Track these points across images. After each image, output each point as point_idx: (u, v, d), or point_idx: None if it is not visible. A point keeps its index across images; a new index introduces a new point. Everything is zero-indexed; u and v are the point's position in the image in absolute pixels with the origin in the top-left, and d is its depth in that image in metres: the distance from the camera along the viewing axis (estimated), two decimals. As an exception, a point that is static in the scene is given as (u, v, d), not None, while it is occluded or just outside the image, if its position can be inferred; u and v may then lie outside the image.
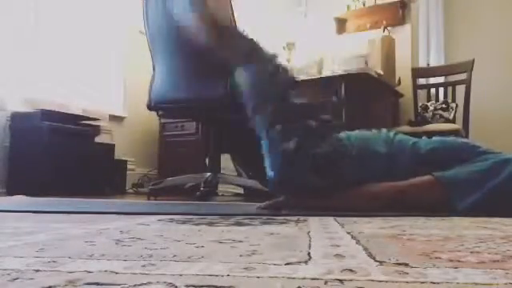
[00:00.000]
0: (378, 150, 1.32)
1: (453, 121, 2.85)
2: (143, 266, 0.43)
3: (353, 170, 1.27)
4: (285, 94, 1.31)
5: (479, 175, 1.19)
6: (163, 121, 3.60)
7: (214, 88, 2.10)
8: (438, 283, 0.36)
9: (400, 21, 3.52)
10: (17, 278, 0.37)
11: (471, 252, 0.53)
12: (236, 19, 2.09)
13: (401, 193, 1.24)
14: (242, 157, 2.85)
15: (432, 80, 3.22)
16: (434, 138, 1.40)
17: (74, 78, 3.29)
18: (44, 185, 2.52)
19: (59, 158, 2.69)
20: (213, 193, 2.67)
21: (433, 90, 3.08)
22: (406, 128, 2.80)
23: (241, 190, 2.89)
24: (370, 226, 0.83)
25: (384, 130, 1.43)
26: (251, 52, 1.39)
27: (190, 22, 1.47)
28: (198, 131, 3.47)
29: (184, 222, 0.91)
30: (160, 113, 2.51)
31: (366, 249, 0.54)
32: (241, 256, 0.49)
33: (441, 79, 3.15)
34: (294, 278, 0.37)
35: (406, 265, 0.43)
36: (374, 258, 0.47)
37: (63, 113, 2.82)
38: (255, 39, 1.43)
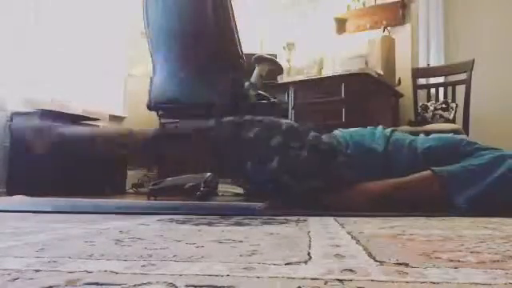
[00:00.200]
0: (374, 147, 1.31)
1: (453, 121, 2.85)
2: (143, 265, 0.43)
3: (349, 168, 1.27)
4: (240, 135, 1.31)
5: (477, 170, 1.19)
6: (163, 121, 3.60)
7: (213, 88, 2.10)
8: (437, 283, 0.36)
9: (400, 21, 3.52)
10: (17, 278, 0.37)
11: (471, 252, 0.53)
12: (236, 19, 2.09)
13: (399, 189, 1.24)
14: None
15: (432, 80, 3.21)
16: (432, 136, 1.40)
17: (74, 77, 3.29)
18: (44, 185, 2.51)
19: (59, 158, 2.69)
20: (213, 193, 2.67)
21: (433, 90, 3.08)
22: (406, 128, 2.80)
23: (241, 190, 2.89)
24: (370, 226, 0.83)
25: (380, 128, 1.42)
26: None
27: None
28: (198, 131, 3.46)
29: (184, 222, 0.91)
30: (160, 113, 2.51)
31: (365, 249, 0.54)
32: (241, 256, 0.49)
33: (441, 79, 3.15)
34: (294, 278, 0.37)
35: (406, 265, 0.43)
36: (374, 258, 0.47)
37: (63, 113, 2.82)
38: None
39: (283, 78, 3.33)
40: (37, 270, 0.40)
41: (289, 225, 0.86)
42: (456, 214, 1.10)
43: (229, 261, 0.45)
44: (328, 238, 0.65)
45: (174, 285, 0.35)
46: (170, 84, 2.24)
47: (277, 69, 2.45)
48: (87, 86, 3.40)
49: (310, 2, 3.90)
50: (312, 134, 1.31)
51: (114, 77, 3.68)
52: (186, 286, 0.34)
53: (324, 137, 1.35)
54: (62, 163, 2.70)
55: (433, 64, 3.33)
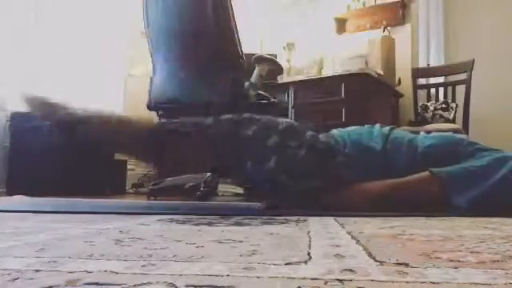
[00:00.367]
0: (372, 146, 1.30)
1: (453, 121, 2.85)
2: (143, 265, 0.43)
3: (347, 168, 1.26)
4: (239, 134, 1.30)
5: (477, 172, 1.18)
6: (163, 121, 3.60)
7: (213, 88, 2.10)
8: (437, 283, 0.36)
9: (400, 21, 3.52)
10: (17, 278, 0.37)
11: (471, 252, 0.53)
12: (236, 19, 2.09)
13: (397, 190, 1.23)
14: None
15: (432, 80, 3.21)
16: (432, 134, 1.39)
17: (74, 77, 3.29)
18: (44, 185, 2.52)
19: (59, 158, 2.69)
20: (213, 193, 2.67)
21: (433, 90, 3.08)
22: (406, 128, 2.80)
23: (241, 190, 2.89)
24: (370, 226, 0.83)
25: (377, 126, 1.41)
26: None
27: None
28: (198, 131, 3.46)
29: (184, 222, 0.91)
30: (160, 113, 2.51)
31: (365, 249, 0.54)
32: (241, 256, 0.49)
33: (441, 79, 3.15)
34: (293, 278, 0.37)
35: (406, 265, 0.43)
36: (374, 258, 0.47)
37: (63, 113, 2.82)
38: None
39: (283, 78, 3.33)
40: (37, 270, 0.40)
41: (289, 225, 0.86)
42: (456, 214, 1.09)
43: (229, 261, 0.45)
44: (328, 238, 0.65)
45: (173, 285, 0.35)
46: (169, 84, 2.25)
47: (277, 69, 2.45)
48: (87, 86, 3.40)
49: (310, 2, 3.90)
50: (309, 133, 1.30)
51: (113, 77, 3.69)
52: (186, 286, 0.34)
53: (321, 136, 1.34)
54: (62, 163, 2.70)
55: (433, 64, 3.33)
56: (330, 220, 0.97)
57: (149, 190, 2.53)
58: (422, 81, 3.21)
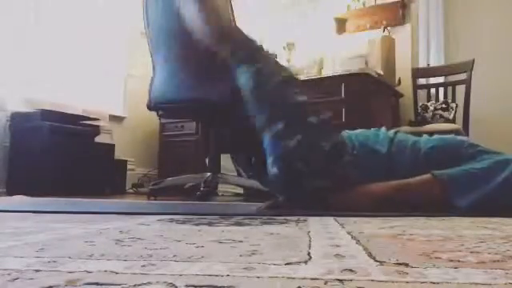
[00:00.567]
0: (378, 149, 1.32)
1: (453, 121, 2.85)
2: (143, 266, 0.43)
3: (355, 168, 1.27)
4: (287, 92, 1.31)
5: (478, 174, 1.19)
6: (163, 121, 3.61)
7: (214, 88, 2.10)
8: (437, 283, 0.36)
9: (400, 21, 3.52)
10: (17, 278, 0.37)
11: (471, 252, 0.53)
12: (236, 19, 2.09)
13: (401, 191, 1.24)
14: (241, 157, 2.85)
15: (432, 80, 3.22)
16: (434, 137, 1.40)
17: (74, 77, 3.30)
18: (44, 185, 2.52)
19: (59, 158, 2.69)
20: (213, 193, 2.67)
21: (433, 90, 3.08)
22: (406, 128, 2.80)
23: (241, 190, 2.89)
24: (370, 226, 0.83)
25: (383, 129, 1.43)
26: (253, 52, 1.39)
27: (193, 20, 1.47)
28: (198, 131, 3.47)
29: (184, 222, 0.91)
30: (160, 113, 2.51)
31: (365, 249, 0.54)
32: (241, 256, 0.49)
33: (441, 79, 3.15)
34: (294, 278, 0.37)
35: (406, 265, 0.43)
36: (374, 258, 0.47)
37: (63, 113, 2.82)
38: (256, 40, 1.43)
39: (283, 78, 3.33)
40: (37, 270, 0.40)
41: (289, 225, 0.86)
42: (456, 214, 1.10)
43: (229, 261, 0.45)
44: (328, 238, 0.65)
45: (173, 285, 0.35)
46: (169, 84, 2.24)
47: (277, 69, 2.44)
48: (87, 86, 3.40)
49: (310, 2, 3.91)
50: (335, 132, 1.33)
51: (114, 77, 3.69)
52: (186, 285, 0.34)
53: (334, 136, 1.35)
54: (62, 163, 2.70)
55: (433, 64, 3.33)
56: (330, 220, 0.97)
57: (149, 190, 2.53)
58: (422, 81, 3.21)
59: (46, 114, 2.70)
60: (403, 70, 3.25)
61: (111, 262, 0.45)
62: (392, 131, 1.42)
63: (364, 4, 3.68)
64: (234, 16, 2.08)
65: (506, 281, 0.37)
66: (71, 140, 2.81)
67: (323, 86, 2.93)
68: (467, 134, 2.75)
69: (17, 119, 2.73)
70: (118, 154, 3.32)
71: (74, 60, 3.30)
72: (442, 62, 3.32)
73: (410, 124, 2.92)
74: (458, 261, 0.46)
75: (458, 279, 0.37)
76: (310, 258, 0.48)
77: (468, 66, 2.86)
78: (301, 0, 3.95)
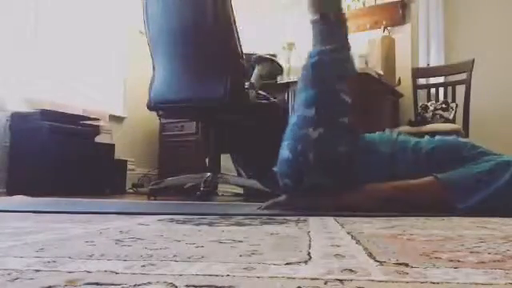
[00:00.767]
0: (381, 149, 1.33)
1: (453, 121, 2.85)
2: (143, 266, 0.43)
3: (357, 169, 1.28)
4: (340, 86, 1.32)
5: (481, 177, 1.19)
6: (163, 121, 3.61)
7: (213, 88, 2.10)
8: (437, 283, 0.36)
9: (400, 21, 3.52)
10: (17, 278, 0.37)
11: (471, 252, 0.53)
12: (236, 19, 2.10)
13: (403, 192, 1.24)
14: (241, 157, 2.85)
15: (432, 80, 3.21)
16: (436, 138, 1.40)
17: (74, 77, 3.30)
18: (44, 185, 2.52)
19: (59, 158, 2.69)
20: (213, 193, 2.67)
21: (433, 90, 3.08)
22: (406, 128, 2.80)
23: (241, 190, 2.89)
24: (370, 226, 0.83)
25: (387, 131, 1.44)
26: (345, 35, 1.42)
27: None
28: (197, 131, 3.47)
29: (184, 222, 0.91)
30: (160, 113, 2.51)
31: (365, 249, 0.54)
32: (241, 256, 0.49)
33: (441, 79, 3.15)
34: (294, 278, 0.37)
35: (406, 265, 0.43)
36: (374, 258, 0.47)
37: (63, 113, 2.82)
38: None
39: (283, 78, 3.33)
40: (37, 270, 0.40)
41: (289, 225, 0.86)
42: (456, 215, 1.10)
43: (229, 261, 0.45)
44: (328, 238, 0.65)
45: (173, 285, 0.35)
46: (169, 84, 2.25)
47: (277, 69, 2.45)
48: (87, 86, 3.40)
49: (310, 2, 3.90)
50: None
51: (114, 77, 3.69)
52: (186, 286, 0.34)
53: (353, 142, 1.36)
54: (62, 163, 2.70)
55: (433, 64, 3.33)
56: (330, 220, 0.97)
57: (149, 189, 2.53)
58: (421, 81, 3.20)
59: (46, 114, 2.70)
60: (403, 70, 3.25)
61: (111, 261, 0.45)
62: (395, 133, 1.43)
63: (364, 4, 3.68)
64: (234, 15, 2.08)
65: (505, 281, 0.37)
66: (71, 140, 2.81)
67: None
68: (467, 134, 2.75)
69: (17, 119, 2.73)
70: (118, 154, 3.32)
71: (74, 60, 3.30)
72: (442, 62, 3.31)
73: (410, 124, 2.92)
74: (458, 261, 0.46)
75: (458, 279, 0.37)
76: (310, 258, 0.48)
77: (468, 66, 2.86)
78: (301, 0, 3.95)
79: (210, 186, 2.22)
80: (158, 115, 2.59)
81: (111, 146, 3.20)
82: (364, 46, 3.21)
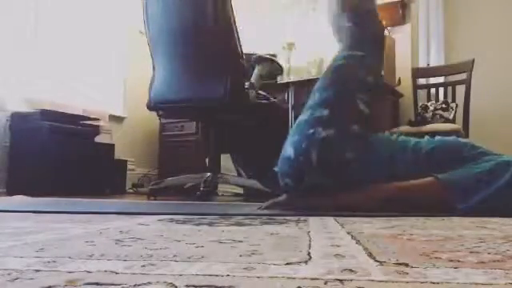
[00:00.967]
0: (380, 150, 1.33)
1: (453, 121, 2.85)
2: (143, 266, 0.43)
3: (357, 170, 1.28)
4: (359, 95, 1.31)
5: (481, 177, 1.18)
6: (163, 121, 3.61)
7: (213, 88, 2.10)
8: (437, 283, 0.36)
9: (400, 21, 3.52)
10: (17, 278, 0.37)
11: (471, 252, 0.53)
12: (236, 19, 2.09)
13: (403, 193, 1.24)
14: (241, 157, 2.85)
15: (432, 80, 3.21)
16: (436, 138, 1.40)
17: (74, 78, 3.30)
18: (44, 185, 2.52)
19: (59, 158, 2.69)
20: (213, 193, 2.67)
21: (433, 90, 3.08)
22: (406, 128, 2.80)
23: (241, 190, 2.89)
24: (370, 226, 0.83)
25: (386, 133, 1.44)
26: (379, 42, 1.40)
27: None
28: (197, 131, 3.47)
29: (184, 222, 0.91)
30: (160, 113, 2.51)
31: (365, 249, 0.54)
32: (241, 256, 0.49)
33: (441, 79, 3.15)
34: (294, 278, 0.37)
35: (406, 265, 0.43)
36: (374, 258, 0.47)
37: (63, 113, 2.82)
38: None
39: (283, 78, 3.33)
40: (37, 270, 0.40)
41: (289, 225, 0.86)
42: (456, 215, 1.10)
43: (229, 261, 0.45)
44: (328, 238, 0.65)
45: (173, 285, 0.35)
46: (169, 84, 2.25)
47: (277, 69, 2.45)
48: (87, 86, 3.40)
49: (310, 2, 3.90)
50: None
51: (113, 77, 3.69)
52: (186, 286, 0.34)
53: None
54: (62, 163, 2.70)
55: (433, 64, 3.33)
56: (330, 220, 0.97)
57: (149, 189, 2.53)
58: (421, 81, 3.20)
59: (46, 114, 2.71)
60: (403, 70, 3.25)
61: (111, 261, 0.45)
62: (394, 134, 1.43)
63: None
64: (234, 16, 2.08)
65: (505, 281, 0.37)
66: (71, 140, 2.81)
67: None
68: (467, 134, 2.75)
69: (17, 119, 2.73)
70: (118, 154, 3.32)
71: (74, 60, 3.30)
72: (442, 62, 3.31)
73: (410, 124, 2.92)
74: (458, 261, 0.46)
75: (458, 279, 0.37)
76: (310, 258, 0.48)
77: (468, 66, 2.86)
78: (301, 0, 3.95)
79: (210, 185, 2.22)
80: (158, 115, 2.59)
81: (111, 146, 3.20)
82: (364, 45, 3.20)
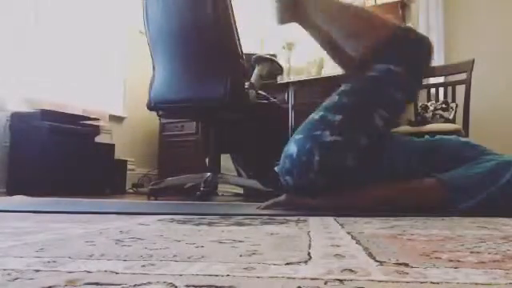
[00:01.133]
0: (380, 150, 1.32)
1: (453, 121, 2.85)
2: (143, 266, 0.43)
3: (357, 169, 1.27)
4: (379, 110, 1.25)
5: (482, 177, 1.18)
6: (163, 121, 3.61)
7: (213, 88, 2.10)
8: (437, 283, 0.36)
9: (400, 21, 3.51)
10: (17, 278, 0.37)
11: (471, 252, 0.53)
12: (236, 19, 2.10)
13: (403, 193, 1.24)
14: (241, 157, 2.85)
15: (432, 80, 3.21)
16: (436, 137, 1.40)
17: (74, 77, 3.30)
18: (44, 185, 2.52)
19: (59, 158, 2.69)
20: (213, 193, 2.68)
21: (433, 90, 3.08)
22: (406, 128, 2.80)
23: (241, 190, 2.89)
24: (370, 226, 0.83)
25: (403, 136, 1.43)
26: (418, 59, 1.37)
27: None
28: (197, 131, 3.47)
29: (184, 222, 0.91)
30: (160, 113, 2.52)
31: (366, 249, 0.54)
32: (241, 256, 0.49)
33: (441, 79, 3.15)
34: (294, 278, 0.37)
35: (406, 265, 0.43)
36: (374, 258, 0.47)
37: (63, 113, 2.82)
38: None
39: (283, 78, 3.33)
40: (37, 270, 0.40)
41: (289, 225, 0.86)
42: (456, 215, 1.10)
43: (229, 261, 0.45)
44: (328, 238, 0.65)
45: (173, 285, 0.35)
46: (169, 84, 2.25)
47: (277, 69, 2.45)
48: (87, 86, 3.40)
49: (310, 2, 3.90)
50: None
51: (113, 77, 3.69)
52: (186, 285, 0.34)
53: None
54: (62, 163, 2.70)
55: (433, 64, 3.32)
56: (330, 220, 0.97)
57: (149, 190, 2.53)
58: (421, 81, 3.20)
59: (46, 114, 2.71)
60: (403, 70, 3.25)
61: (111, 261, 0.45)
62: (395, 134, 1.42)
63: (364, 4, 3.67)
64: (234, 16, 2.08)
65: (505, 281, 0.37)
66: (71, 140, 2.81)
67: (323, 85, 2.93)
68: (467, 134, 2.75)
69: (17, 119, 2.73)
70: (118, 154, 3.32)
71: (74, 60, 3.30)
72: (441, 62, 3.31)
73: (410, 124, 2.91)
74: (458, 261, 0.46)
75: (458, 279, 0.37)
76: (310, 258, 0.48)
77: (468, 66, 2.86)
78: (301, 0, 3.94)
79: (210, 186, 2.22)
80: (158, 115, 2.59)
81: (111, 146, 3.20)
82: (364, 45, 3.20)
